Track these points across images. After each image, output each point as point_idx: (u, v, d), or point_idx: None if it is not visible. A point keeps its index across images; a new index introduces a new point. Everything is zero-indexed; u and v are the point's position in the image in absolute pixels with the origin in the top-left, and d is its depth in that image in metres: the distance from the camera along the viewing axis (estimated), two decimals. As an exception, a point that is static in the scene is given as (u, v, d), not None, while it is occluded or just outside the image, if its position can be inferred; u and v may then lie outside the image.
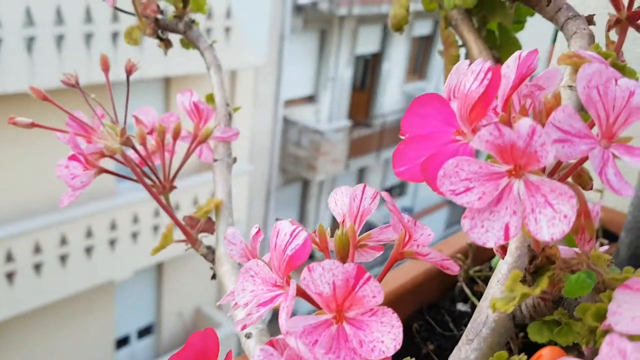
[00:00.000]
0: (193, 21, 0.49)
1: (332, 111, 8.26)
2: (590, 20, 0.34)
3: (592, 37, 0.32)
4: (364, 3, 7.24)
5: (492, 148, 0.21)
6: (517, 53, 0.25)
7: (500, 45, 0.48)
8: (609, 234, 0.60)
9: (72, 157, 0.42)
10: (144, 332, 6.91)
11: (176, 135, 0.46)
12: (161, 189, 0.44)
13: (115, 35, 4.98)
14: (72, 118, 0.43)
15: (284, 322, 0.23)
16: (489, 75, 0.22)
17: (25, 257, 5.14)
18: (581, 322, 0.25)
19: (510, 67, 0.25)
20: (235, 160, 0.49)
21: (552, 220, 0.21)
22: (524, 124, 0.20)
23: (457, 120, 0.24)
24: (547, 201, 0.21)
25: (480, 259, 0.54)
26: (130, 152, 0.44)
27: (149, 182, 0.44)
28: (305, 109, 8.04)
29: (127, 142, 0.42)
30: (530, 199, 0.21)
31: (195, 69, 5.25)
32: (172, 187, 0.45)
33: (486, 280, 0.52)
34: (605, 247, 0.41)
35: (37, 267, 5.26)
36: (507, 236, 0.22)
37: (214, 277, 0.44)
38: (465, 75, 0.23)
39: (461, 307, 0.52)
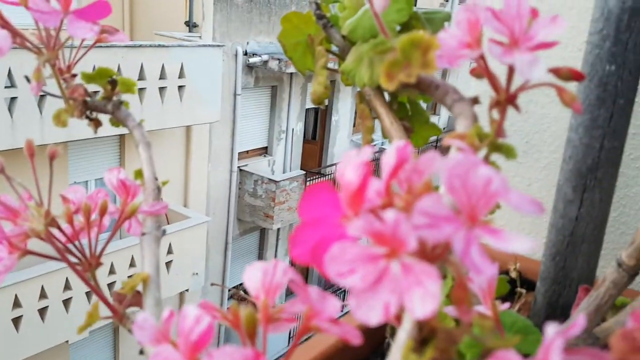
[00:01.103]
0: (121, 102, 0.51)
1: (286, 162, 8.40)
2: (475, 101, 0.38)
3: (475, 118, 0.36)
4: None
5: (367, 234, 0.24)
6: (395, 144, 0.28)
7: (411, 116, 0.52)
8: (527, 282, 0.63)
9: (-4, 241, 0.42)
10: (101, 392, 6.59)
11: (103, 212, 0.46)
12: (87, 266, 0.45)
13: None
14: (-4, 201, 0.43)
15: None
16: (363, 168, 0.25)
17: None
18: (469, 386, 0.27)
19: (390, 156, 0.28)
20: (164, 232, 0.50)
21: (423, 298, 0.23)
22: (390, 216, 0.23)
23: (343, 208, 0.26)
24: (418, 281, 0.24)
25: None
26: (57, 232, 0.45)
27: (75, 260, 0.45)
28: (260, 161, 8.14)
29: (52, 223, 0.43)
30: (405, 279, 0.24)
31: (147, 127, 5.31)
32: (99, 264, 0.46)
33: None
34: (507, 305, 0.44)
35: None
36: (387, 314, 0.24)
37: (141, 352, 0.44)
38: (346, 165, 0.26)
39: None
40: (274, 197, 7.67)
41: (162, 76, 5.82)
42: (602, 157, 0.59)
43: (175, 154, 6.69)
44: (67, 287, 5.48)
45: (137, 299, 0.47)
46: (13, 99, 4.83)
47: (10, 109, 4.83)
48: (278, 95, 7.98)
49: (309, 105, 8.53)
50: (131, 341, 6.63)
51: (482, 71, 0.37)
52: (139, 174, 0.51)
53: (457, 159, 0.25)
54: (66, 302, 5.53)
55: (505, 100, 0.37)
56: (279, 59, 7.15)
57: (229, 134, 7.42)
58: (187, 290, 6.68)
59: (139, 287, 0.48)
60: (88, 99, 0.49)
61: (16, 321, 5.19)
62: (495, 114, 0.37)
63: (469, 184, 0.25)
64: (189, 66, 6.02)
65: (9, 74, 4.74)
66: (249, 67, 7.36)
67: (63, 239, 0.45)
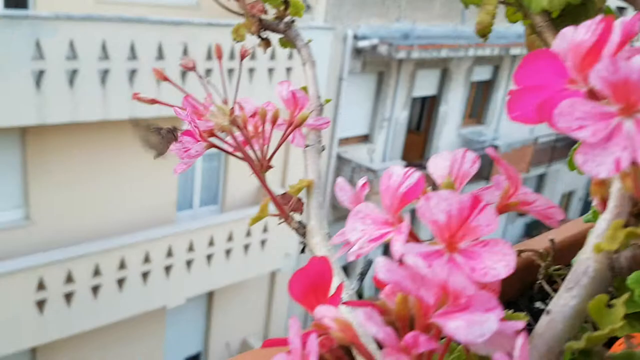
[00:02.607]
0: (293, 21, 0.53)
1: (387, 151, 8.29)
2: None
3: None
4: (423, 48, 7.33)
5: (606, 85, 0.23)
6: (622, 18, 0.27)
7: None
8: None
9: (185, 133, 0.47)
10: (191, 361, 6.97)
11: (275, 120, 0.49)
12: (260, 166, 0.48)
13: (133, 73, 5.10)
14: (186, 99, 0.47)
15: (399, 248, 0.26)
16: (601, 25, 0.25)
17: (84, 279, 5.33)
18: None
19: (616, 28, 0.27)
20: (324, 148, 0.52)
21: (664, 151, 0.22)
22: (637, 60, 0.22)
23: (568, 72, 0.26)
24: (657, 135, 0.23)
25: (560, 260, 0.54)
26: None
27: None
28: (360, 148, 8.10)
29: (235, 122, 0.46)
30: (641, 135, 0.23)
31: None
32: (269, 167, 0.49)
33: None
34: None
35: (95, 289, 5.44)
36: (618, 168, 0.23)
37: (303, 250, 0.47)
38: (577, 30, 0.26)
39: (539, 305, 0.52)
40: (371, 187, 7.59)
41: (273, 57, 5.98)
42: None
43: (276, 134, 6.86)
44: (170, 254, 5.81)
45: (298, 205, 0.50)
46: (133, 71, 5.19)
47: (131, 80, 5.13)
48: (384, 81, 7.86)
49: (417, 93, 8.29)
50: (223, 312, 6.95)
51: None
52: (304, 90, 0.54)
53: None
54: (167, 269, 5.87)
55: None
56: (389, 44, 7.02)
57: (331, 119, 7.45)
58: (279, 269, 6.89)
59: (301, 195, 0.50)
60: (264, 16, 0.53)
61: (120, 282, 5.58)
62: None
63: None
64: (299, 49, 6.13)
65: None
66: (357, 51, 7.30)
67: (240, 140, 0.48)
